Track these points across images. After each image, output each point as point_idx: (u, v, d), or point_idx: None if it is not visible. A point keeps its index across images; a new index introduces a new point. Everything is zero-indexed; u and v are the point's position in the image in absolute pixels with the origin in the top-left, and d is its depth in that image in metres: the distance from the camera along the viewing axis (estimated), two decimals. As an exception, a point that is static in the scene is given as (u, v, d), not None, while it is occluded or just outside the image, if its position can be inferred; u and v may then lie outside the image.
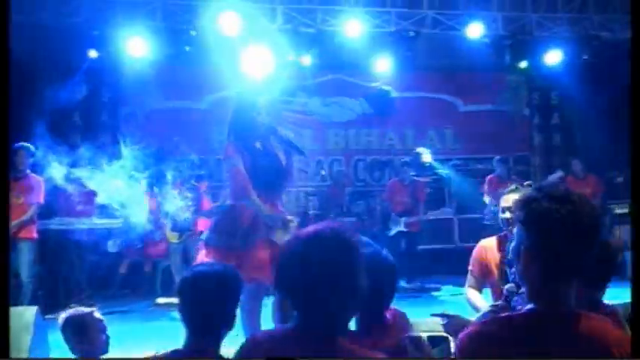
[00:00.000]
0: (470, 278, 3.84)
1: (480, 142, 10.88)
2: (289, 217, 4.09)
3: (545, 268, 1.67)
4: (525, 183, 8.62)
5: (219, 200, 7.30)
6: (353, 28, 8.56)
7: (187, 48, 8.53)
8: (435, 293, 7.99)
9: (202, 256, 4.00)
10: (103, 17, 8.04)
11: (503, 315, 1.88)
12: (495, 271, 3.68)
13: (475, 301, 3.74)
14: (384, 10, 8.88)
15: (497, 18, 8.90)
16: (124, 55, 8.49)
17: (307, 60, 9.34)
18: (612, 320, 1.80)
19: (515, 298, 2.91)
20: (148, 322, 6.49)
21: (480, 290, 3.82)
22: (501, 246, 3.70)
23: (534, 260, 1.69)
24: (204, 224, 6.43)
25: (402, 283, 7.48)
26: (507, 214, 3.62)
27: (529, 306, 1.70)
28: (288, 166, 4.13)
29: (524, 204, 1.73)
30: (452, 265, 8.36)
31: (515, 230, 1.77)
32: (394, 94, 10.99)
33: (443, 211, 8.93)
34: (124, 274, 8.23)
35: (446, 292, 7.90)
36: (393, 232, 8.35)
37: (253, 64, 8.88)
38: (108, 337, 2.88)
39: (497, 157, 8.86)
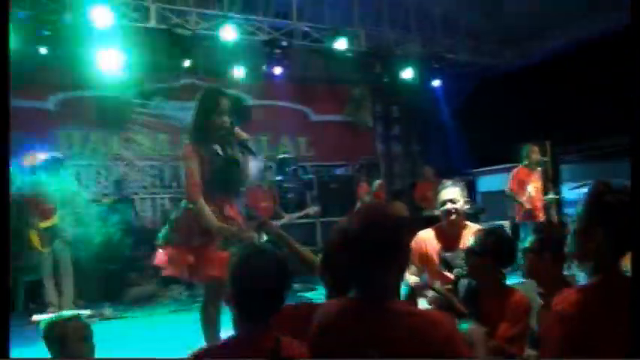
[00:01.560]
0: (411, 267, 4.18)
1: (330, 150, 11.49)
2: (239, 230, 4.10)
3: (616, 246, 2.09)
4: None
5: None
6: (227, 33, 8.60)
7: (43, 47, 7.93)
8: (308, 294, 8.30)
9: (161, 255, 3.98)
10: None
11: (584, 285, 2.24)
12: (435, 259, 4.08)
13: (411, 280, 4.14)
14: (257, 18, 9.05)
15: (359, 34, 9.50)
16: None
17: (168, 62, 9.23)
18: None
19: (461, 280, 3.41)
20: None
21: (419, 276, 4.21)
22: (440, 236, 4.15)
23: (606, 239, 2.10)
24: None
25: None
26: (449, 206, 4.09)
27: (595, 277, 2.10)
28: (244, 167, 4.20)
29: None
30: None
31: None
32: (250, 101, 11.21)
33: (307, 213, 9.18)
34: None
35: (321, 290, 8.20)
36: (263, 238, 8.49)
37: (110, 63, 8.59)
38: (93, 346, 2.75)
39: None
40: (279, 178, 9.64)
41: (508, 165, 9.74)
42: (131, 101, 10.09)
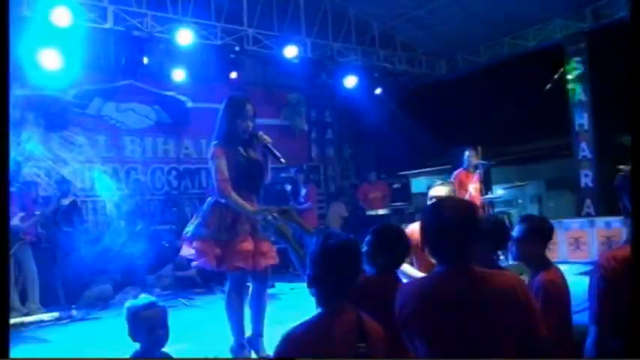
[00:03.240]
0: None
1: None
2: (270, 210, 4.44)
3: None
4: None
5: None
6: (183, 37, 8.75)
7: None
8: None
9: (188, 249, 4.22)
10: None
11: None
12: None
13: (410, 272, 4.60)
14: (211, 23, 9.24)
15: (306, 42, 9.93)
16: None
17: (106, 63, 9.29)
18: None
19: None
20: None
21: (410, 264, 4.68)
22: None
23: None
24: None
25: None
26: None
27: None
28: (265, 168, 4.50)
29: None
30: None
31: None
32: (190, 104, 11.30)
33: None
34: None
35: (279, 287, 8.53)
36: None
37: (49, 63, 8.47)
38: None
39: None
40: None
41: (439, 167, 10.55)
42: (70, 102, 9.91)
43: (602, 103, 9.41)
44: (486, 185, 9.75)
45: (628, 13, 8.81)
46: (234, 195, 4.12)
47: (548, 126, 10.14)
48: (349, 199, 11.70)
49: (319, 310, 2.38)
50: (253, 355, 4.21)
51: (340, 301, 2.36)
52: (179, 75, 10.13)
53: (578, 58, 9.67)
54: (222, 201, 4.18)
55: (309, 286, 2.42)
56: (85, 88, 10.13)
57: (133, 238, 9.24)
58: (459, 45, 11.09)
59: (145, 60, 9.06)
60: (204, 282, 8.80)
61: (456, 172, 8.95)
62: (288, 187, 10.41)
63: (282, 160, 4.49)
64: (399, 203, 10.76)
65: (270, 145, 4.46)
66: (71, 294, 7.81)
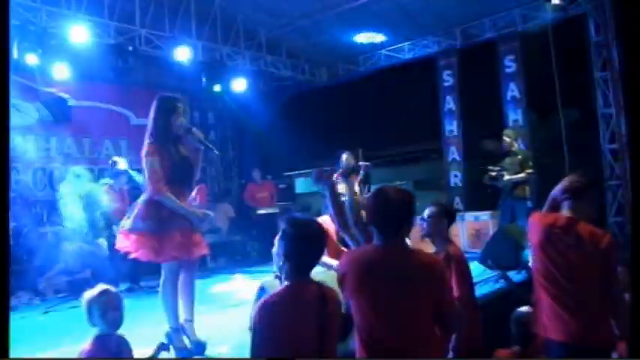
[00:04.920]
0: None
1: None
2: (204, 212, 4.77)
3: None
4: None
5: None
6: (77, 34, 8.66)
7: None
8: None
9: (125, 241, 4.44)
10: None
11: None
12: (335, 238, 4.90)
13: (327, 260, 5.05)
14: (104, 21, 9.20)
15: (197, 45, 10.15)
16: None
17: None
18: None
19: None
20: None
21: None
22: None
23: None
24: None
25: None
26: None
27: None
28: (197, 165, 4.70)
29: None
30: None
31: None
32: (72, 102, 11.05)
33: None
34: None
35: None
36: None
37: None
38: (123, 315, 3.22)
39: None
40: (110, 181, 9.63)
41: (321, 169, 11.16)
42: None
43: (469, 112, 10.57)
44: (367, 185, 10.54)
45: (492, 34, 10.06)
46: (168, 194, 4.34)
47: (420, 131, 11.18)
48: (235, 200, 12.03)
49: (287, 282, 2.84)
50: (185, 340, 4.47)
51: (306, 274, 2.85)
52: (62, 72, 9.88)
53: (449, 72, 10.78)
54: (155, 198, 4.37)
55: (283, 262, 2.89)
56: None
57: (21, 241, 8.99)
58: (339, 54, 11.85)
59: (29, 55, 8.88)
60: (97, 282, 8.71)
61: (335, 174, 9.53)
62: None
63: (216, 152, 4.79)
64: (285, 202, 11.28)
65: (204, 140, 4.73)
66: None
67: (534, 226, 3.44)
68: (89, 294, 3.09)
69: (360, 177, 9.39)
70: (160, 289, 4.55)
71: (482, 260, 6.97)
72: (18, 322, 6.80)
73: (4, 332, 2.61)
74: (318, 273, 3.12)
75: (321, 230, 2.99)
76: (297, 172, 11.86)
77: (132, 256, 4.46)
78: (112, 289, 3.20)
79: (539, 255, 3.39)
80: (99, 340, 3.01)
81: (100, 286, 3.16)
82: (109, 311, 3.01)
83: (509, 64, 10.16)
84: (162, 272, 4.52)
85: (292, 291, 2.79)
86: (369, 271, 2.84)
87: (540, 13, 9.50)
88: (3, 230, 2.81)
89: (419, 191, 12.31)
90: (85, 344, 3.03)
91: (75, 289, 8.55)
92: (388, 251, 2.88)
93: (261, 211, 10.58)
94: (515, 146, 8.60)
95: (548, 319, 3.26)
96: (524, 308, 4.34)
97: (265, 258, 10.54)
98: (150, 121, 4.51)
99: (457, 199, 10.66)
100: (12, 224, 9.07)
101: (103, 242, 8.57)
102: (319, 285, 2.83)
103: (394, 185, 3.64)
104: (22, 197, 9.85)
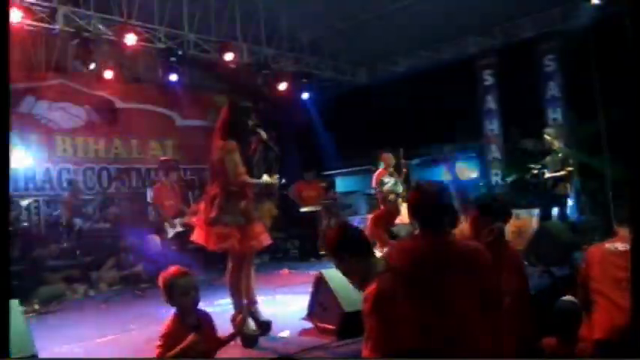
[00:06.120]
0: None
1: (197, 153, 12.14)
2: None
3: None
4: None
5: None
6: (130, 39, 9.04)
7: None
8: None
9: (204, 234, 4.74)
10: None
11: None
12: None
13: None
14: (154, 26, 9.57)
15: (242, 48, 10.47)
16: None
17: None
18: None
19: None
20: None
21: None
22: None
23: None
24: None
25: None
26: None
27: None
28: (259, 161, 5.12)
29: None
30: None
31: None
32: (119, 104, 11.47)
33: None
34: None
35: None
36: (171, 233, 9.01)
37: None
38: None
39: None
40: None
41: (362, 167, 11.41)
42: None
43: (509, 111, 10.66)
44: (407, 183, 10.72)
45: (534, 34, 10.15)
46: (250, 179, 4.77)
47: (459, 130, 11.28)
48: (277, 198, 12.24)
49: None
50: (250, 322, 4.73)
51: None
52: (111, 76, 10.33)
53: (488, 71, 10.89)
54: (234, 189, 4.70)
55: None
56: (17, 86, 10.09)
57: (73, 237, 9.40)
58: (379, 55, 12.05)
59: (78, 60, 9.28)
60: (149, 276, 8.97)
61: (376, 172, 9.74)
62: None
63: (277, 151, 5.20)
64: (326, 201, 11.49)
65: (267, 140, 5.08)
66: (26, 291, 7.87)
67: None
68: (169, 275, 3.28)
69: (402, 175, 9.61)
70: (227, 276, 4.84)
71: (526, 257, 7.10)
72: (78, 312, 7.23)
73: (4, 332, 2.60)
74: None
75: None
76: (337, 171, 12.06)
77: (215, 247, 4.75)
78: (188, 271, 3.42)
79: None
80: (179, 317, 3.25)
81: (178, 268, 3.37)
82: (190, 291, 3.24)
83: (549, 63, 10.25)
84: (231, 260, 4.81)
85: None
86: (418, 263, 2.97)
87: (580, 11, 9.56)
88: (3, 230, 2.82)
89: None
90: (166, 322, 3.26)
91: (128, 282, 8.97)
92: (432, 243, 3.02)
93: (304, 209, 10.81)
94: (556, 144, 8.70)
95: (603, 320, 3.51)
96: (567, 298, 4.50)
97: (306, 255, 10.89)
98: (224, 123, 4.86)
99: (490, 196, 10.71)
100: (65, 221, 9.62)
101: (154, 237, 8.87)
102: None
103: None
104: (74, 196, 10.27)
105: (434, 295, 2.88)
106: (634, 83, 2.96)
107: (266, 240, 4.92)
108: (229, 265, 4.82)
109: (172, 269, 3.33)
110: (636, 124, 2.93)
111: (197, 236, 4.83)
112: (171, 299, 3.24)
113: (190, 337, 3.12)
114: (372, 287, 2.78)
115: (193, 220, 5.12)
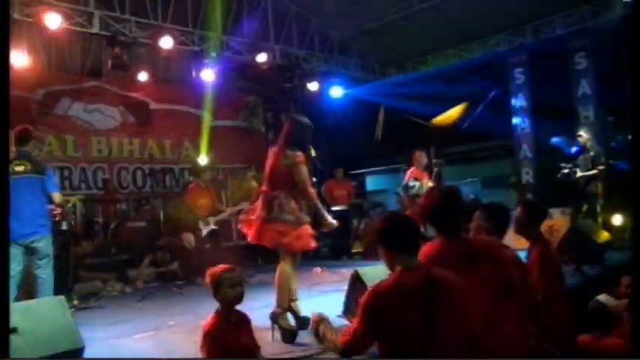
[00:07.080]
0: None
1: (228, 153, 12.38)
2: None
3: None
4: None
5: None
6: (165, 42, 9.26)
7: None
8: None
9: (258, 231, 5.04)
10: None
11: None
12: None
13: None
14: (189, 29, 9.77)
15: (274, 49, 10.63)
16: None
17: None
18: None
19: None
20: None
21: None
22: None
23: None
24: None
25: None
26: None
27: None
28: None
29: None
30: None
31: None
32: (153, 105, 11.71)
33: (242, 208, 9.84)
34: None
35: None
36: (205, 231, 9.20)
37: (18, 62, 8.71)
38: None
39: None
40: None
41: (392, 166, 11.47)
42: (38, 101, 10.14)
43: (540, 109, 10.62)
44: (439, 181, 10.75)
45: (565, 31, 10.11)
46: (315, 195, 5.19)
47: (489, 129, 11.26)
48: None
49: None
50: (290, 318, 4.91)
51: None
52: (145, 77, 10.56)
53: (519, 69, 10.88)
54: (294, 194, 5.01)
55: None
56: (54, 88, 10.38)
57: (109, 235, 9.65)
58: (408, 54, 12.11)
59: (111, 62, 9.50)
60: (184, 274, 9.15)
61: (409, 171, 9.78)
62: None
63: (319, 166, 5.51)
64: (356, 200, 11.61)
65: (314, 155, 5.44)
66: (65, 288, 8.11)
67: None
68: (218, 270, 3.41)
69: (433, 174, 9.64)
70: (278, 273, 5.03)
71: (558, 256, 7.13)
72: (116, 308, 7.41)
73: (4, 332, 2.65)
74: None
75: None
76: (367, 169, 12.15)
77: (271, 244, 5.04)
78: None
79: None
80: (221, 315, 3.38)
81: (225, 265, 3.48)
82: (236, 286, 3.38)
83: (580, 61, 10.17)
84: (284, 257, 5.04)
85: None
86: (443, 264, 3.02)
87: (610, 9, 9.51)
88: (3, 231, 2.85)
89: (486, 189, 12.43)
90: (208, 320, 3.39)
91: (164, 279, 9.19)
92: (452, 244, 3.18)
93: (335, 208, 10.92)
94: (589, 143, 8.68)
95: None
96: (601, 296, 4.55)
97: (338, 254, 10.99)
98: (291, 134, 5.19)
99: (529, 195, 10.71)
100: (101, 220, 9.88)
101: (189, 236, 9.04)
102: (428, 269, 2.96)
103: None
104: (109, 195, 10.52)
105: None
106: (634, 83, 3.03)
107: (314, 242, 5.15)
108: (282, 261, 5.07)
109: (220, 266, 3.47)
110: (636, 123, 3.00)
111: (253, 233, 5.13)
112: (218, 293, 3.37)
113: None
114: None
115: (247, 218, 5.39)
